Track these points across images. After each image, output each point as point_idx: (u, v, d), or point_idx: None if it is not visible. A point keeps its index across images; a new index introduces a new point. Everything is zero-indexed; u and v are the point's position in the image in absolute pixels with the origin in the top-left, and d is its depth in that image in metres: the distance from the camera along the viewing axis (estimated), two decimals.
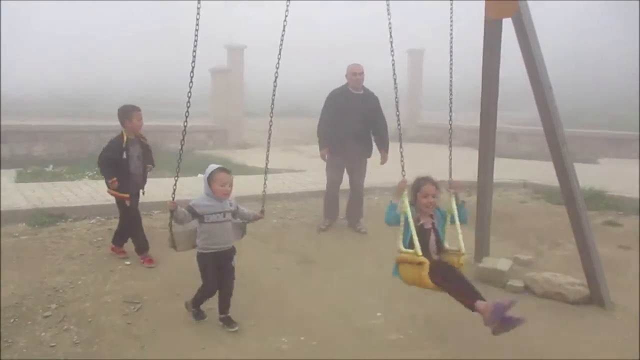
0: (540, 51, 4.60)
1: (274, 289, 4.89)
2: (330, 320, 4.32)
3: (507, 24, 4.74)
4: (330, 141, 6.47)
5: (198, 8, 3.74)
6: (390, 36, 3.97)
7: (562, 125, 4.64)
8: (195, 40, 3.69)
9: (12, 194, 7.24)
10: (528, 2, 4.59)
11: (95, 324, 4.14)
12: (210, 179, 3.98)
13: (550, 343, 4.07)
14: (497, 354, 3.80)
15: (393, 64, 3.94)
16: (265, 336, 4.04)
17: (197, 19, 3.70)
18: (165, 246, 4.23)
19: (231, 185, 4.03)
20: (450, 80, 4.23)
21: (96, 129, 11.20)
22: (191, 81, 3.81)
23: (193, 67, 3.76)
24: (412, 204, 3.79)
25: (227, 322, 4.12)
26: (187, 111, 3.77)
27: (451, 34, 4.32)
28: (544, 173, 7.66)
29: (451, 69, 4.23)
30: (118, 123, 5.26)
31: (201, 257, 4.08)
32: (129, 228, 5.36)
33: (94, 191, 7.50)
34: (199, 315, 4.23)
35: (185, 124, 3.87)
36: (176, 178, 3.87)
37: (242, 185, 7.10)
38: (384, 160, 6.48)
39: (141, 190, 5.40)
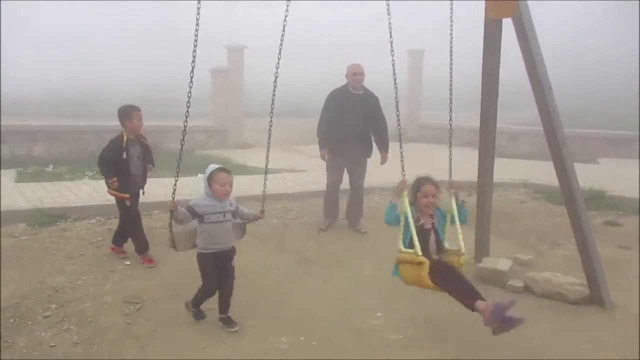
0: (540, 51, 4.60)
1: (274, 289, 4.89)
2: (330, 320, 4.32)
3: (507, 24, 4.74)
4: (330, 141, 6.47)
5: (198, 8, 3.74)
6: (390, 36, 3.96)
7: (562, 125, 4.63)
8: (195, 40, 3.69)
9: (12, 194, 7.24)
10: (528, 2, 4.58)
11: (95, 324, 4.14)
12: (210, 179, 3.98)
13: (550, 343, 4.06)
14: (497, 354, 3.80)
15: (393, 64, 3.93)
16: (265, 336, 4.04)
17: (197, 19, 3.70)
18: (165, 246, 4.23)
19: (231, 185, 4.03)
20: (450, 80, 4.22)
21: (96, 129, 11.20)
22: (191, 81, 3.81)
23: (193, 67, 3.76)
24: (412, 203, 3.79)
25: (227, 322, 4.12)
26: (187, 111, 3.77)
27: (451, 34, 4.32)
28: (544, 173, 7.66)
29: (451, 69, 4.22)
30: (118, 123, 5.26)
31: (201, 257, 4.08)
32: (129, 228, 5.36)
33: (94, 191, 7.50)
34: (199, 315, 4.23)
35: (185, 124, 3.87)
36: (176, 178, 3.87)
37: (242, 185, 7.09)
38: (384, 160, 6.47)
39: (141, 190, 5.40)
